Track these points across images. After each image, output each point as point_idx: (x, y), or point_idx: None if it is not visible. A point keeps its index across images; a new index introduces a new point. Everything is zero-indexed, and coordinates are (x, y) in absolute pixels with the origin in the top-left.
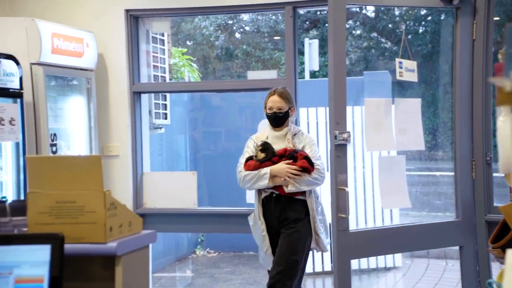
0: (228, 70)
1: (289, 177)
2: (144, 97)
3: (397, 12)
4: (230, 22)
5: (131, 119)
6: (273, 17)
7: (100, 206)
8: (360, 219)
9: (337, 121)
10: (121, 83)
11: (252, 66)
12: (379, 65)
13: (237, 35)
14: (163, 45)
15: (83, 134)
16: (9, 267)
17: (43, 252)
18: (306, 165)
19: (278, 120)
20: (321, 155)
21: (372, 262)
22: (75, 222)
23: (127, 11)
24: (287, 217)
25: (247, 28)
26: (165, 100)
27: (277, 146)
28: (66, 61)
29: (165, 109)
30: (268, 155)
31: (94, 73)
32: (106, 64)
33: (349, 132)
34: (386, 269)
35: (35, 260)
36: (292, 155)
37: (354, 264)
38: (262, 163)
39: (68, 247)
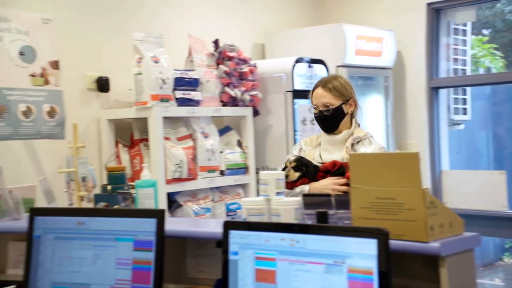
0: None
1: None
2: (443, 92)
3: None
4: None
5: (428, 116)
6: None
7: (419, 204)
8: None
9: None
10: (419, 79)
11: None
12: None
13: None
14: (465, 35)
15: (380, 132)
16: (342, 257)
17: (370, 246)
18: None
19: (326, 122)
20: None
21: None
22: (395, 218)
23: (428, 4)
24: None
25: None
26: (465, 95)
27: (331, 155)
28: (367, 61)
29: (465, 104)
30: (308, 174)
31: (391, 71)
32: (404, 61)
33: None
34: None
35: (363, 252)
36: (343, 171)
37: None
38: (296, 182)
39: (390, 243)
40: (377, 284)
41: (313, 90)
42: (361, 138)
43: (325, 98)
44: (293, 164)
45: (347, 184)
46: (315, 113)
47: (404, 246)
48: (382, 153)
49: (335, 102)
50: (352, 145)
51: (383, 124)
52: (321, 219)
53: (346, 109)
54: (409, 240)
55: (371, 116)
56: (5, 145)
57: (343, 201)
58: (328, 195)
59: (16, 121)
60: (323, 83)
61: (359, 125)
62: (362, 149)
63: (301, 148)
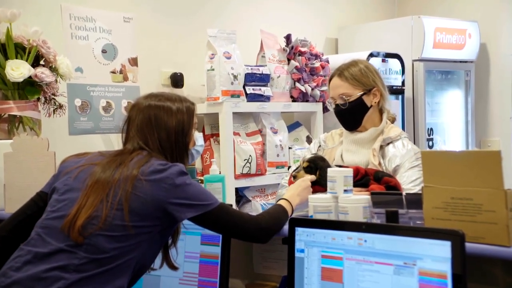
0: None
1: None
2: None
3: None
4: None
5: None
6: None
7: (501, 206)
8: None
9: None
10: (504, 73)
11: None
12: None
13: None
14: None
15: (459, 128)
16: (413, 258)
17: (443, 248)
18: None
19: (345, 117)
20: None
21: None
22: (472, 220)
23: None
24: None
25: None
26: None
27: (354, 157)
28: (446, 54)
29: None
30: (322, 181)
31: (474, 65)
32: (489, 54)
33: None
34: None
35: (436, 255)
36: (367, 181)
37: None
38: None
39: (466, 245)
40: None
41: (330, 79)
42: (392, 139)
43: (341, 88)
44: (305, 165)
45: None
46: (334, 108)
47: (483, 250)
48: (459, 151)
49: (353, 93)
50: (381, 147)
51: (463, 121)
52: (391, 218)
53: (369, 100)
54: (488, 243)
55: (449, 112)
56: (87, 139)
57: (415, 200)
58: (400, 194)
59: (97, 116)
60: (340, 71)
61: (393, 120)
62: (393, 153)
63: (319, 145)
